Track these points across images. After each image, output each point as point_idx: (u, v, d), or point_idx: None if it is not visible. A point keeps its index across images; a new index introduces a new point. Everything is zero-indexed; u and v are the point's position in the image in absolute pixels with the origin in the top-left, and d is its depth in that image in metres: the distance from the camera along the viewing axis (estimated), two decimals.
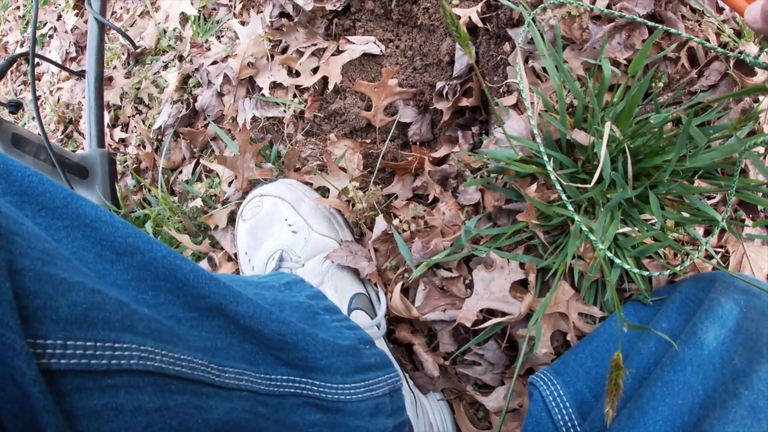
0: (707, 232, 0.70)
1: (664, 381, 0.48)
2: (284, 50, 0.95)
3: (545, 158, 0.61)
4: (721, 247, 0.72)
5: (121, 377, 0.33)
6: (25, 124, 1.51)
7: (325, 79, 0.89)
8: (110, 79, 1.28)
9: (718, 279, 0.58)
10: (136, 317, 0.35)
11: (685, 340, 0.51)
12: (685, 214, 0.65)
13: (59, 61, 1.47)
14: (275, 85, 0.94)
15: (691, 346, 0.50)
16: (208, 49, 1.12)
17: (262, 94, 0.93)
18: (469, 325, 0.66)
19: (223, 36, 1.14)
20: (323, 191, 0.84)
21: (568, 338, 0.65)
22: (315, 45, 0.90)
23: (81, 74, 1.19)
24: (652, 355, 0.53)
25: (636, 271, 0.60)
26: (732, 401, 0.45)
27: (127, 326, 0.34)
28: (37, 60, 1.57)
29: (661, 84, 0.74)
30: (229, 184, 0.94)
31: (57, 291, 0.31)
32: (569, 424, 0.54)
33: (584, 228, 0.59)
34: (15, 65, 1.62)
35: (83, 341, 0.31)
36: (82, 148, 1.31)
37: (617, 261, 0.59)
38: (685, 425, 0.45)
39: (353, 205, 0.79)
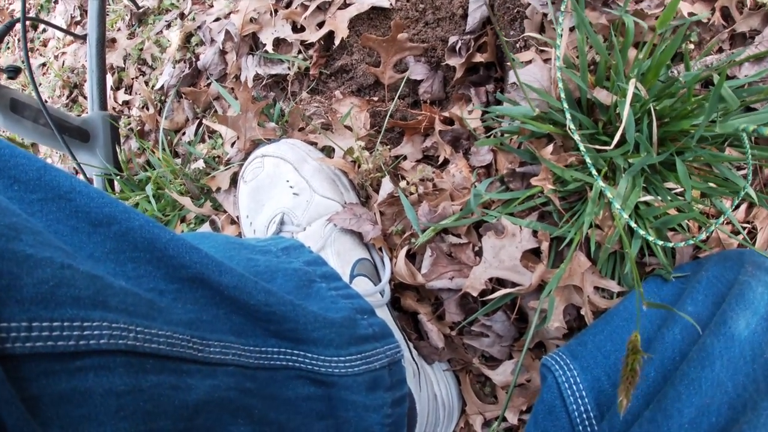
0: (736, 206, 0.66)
1: (690, 378, 0.44)
2: (288, 4, 0.90)
3: (567, 115, 0.56)
4: (749, 222, 0.67)
5: (90, 358, 0.31)
6: (35, 90, 1.49)
7: (331, 33, 0.84)
8: (113, 41, 1.24)
9: (746, 259, 0.54)
10: (109, 292, 0.33)
11: (714, 331, 0.47)
12: (713, 185, 0.61)
13: (64, 26, 1.43)
14: (279, 41, 0.89)
15: (720, 337, 0.46)
16: (211, 5, 1.07)
17: (266, 51, 0.89)
18: (475, 294, 0.62)
19: None
20: (329, 152, 0.80)
21: (582, 313, 0.62)
22: None
23: (83, 38, 1.16)
24: (678, 344, 0.49)
25: (659, 242, 0.56)
26: (764, 403, 0.41)
27: (99, 302, 0.32)
28: (43, 26, 1.54)
29: (692, 45, 0.68)
30: (232, 144, 0.91)
31: (21, 269, 0.29)
32: (584, 415, 0.51)
33: (606, 191, 0.55)
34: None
35: (49, 321, 0.29)
36: (87, 112, 1.29)
37: (639, 231, 0.55)
38: (712, 428, 0.42)
39: (359, 166, 0.75)
